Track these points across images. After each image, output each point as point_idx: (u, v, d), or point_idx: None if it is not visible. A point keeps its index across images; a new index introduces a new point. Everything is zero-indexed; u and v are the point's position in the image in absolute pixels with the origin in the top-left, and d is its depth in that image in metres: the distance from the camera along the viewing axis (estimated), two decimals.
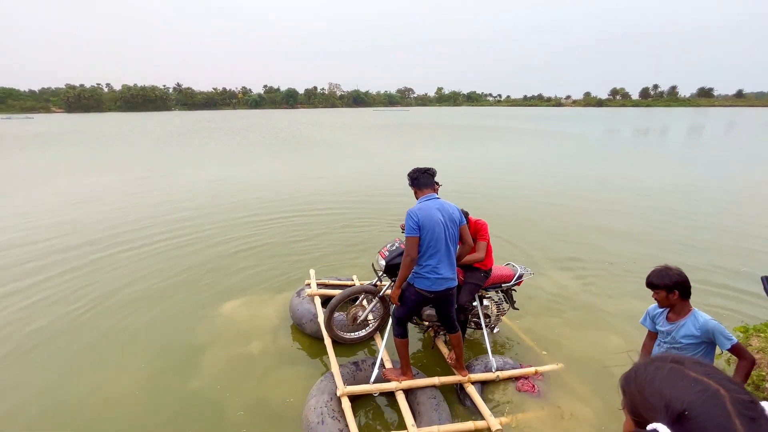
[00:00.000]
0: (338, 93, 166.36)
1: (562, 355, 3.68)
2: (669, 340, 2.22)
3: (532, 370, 3.32)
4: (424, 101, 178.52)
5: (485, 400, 3.09)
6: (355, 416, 2.79)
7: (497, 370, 3.25)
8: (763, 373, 2.80)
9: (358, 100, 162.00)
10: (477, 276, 3.48)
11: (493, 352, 3.63)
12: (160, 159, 17.58)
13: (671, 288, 2.08)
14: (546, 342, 3.91)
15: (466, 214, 3.35)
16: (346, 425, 2.68)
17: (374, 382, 3.05)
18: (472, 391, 3.04)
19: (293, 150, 20.56)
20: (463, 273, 3.55)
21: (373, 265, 3.48)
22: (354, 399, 3.07)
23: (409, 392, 3.06)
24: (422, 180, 2.89)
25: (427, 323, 3.57)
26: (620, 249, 6.29)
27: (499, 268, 3.70)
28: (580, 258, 5.97)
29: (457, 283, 2.90)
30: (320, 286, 4.52)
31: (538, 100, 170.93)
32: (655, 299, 2.18)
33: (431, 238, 2.73)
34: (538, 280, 5.24)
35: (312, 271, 4.72)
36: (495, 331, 3.83)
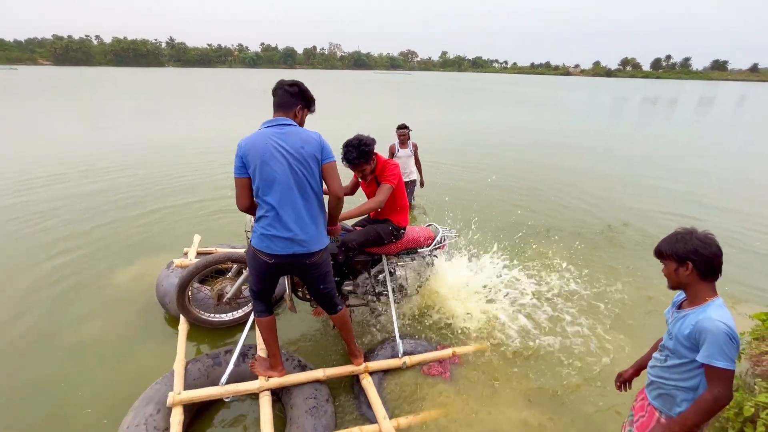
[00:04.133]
0: (339, 54, 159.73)
1: (503, 335, 2.84)
2: (665, 339, 1.45)
3: (449, 352, 2.54)
4: (427, 66, 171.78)
5: (388, 392, 2.29)
6: None
7: (405, 354, 2.44)
8: None
9: (359, 62, 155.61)
10: (384, 227, 2.57)
11: (409, 335, 2.78)
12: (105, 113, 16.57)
13: (682, 258, 1.34)
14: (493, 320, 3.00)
15: (366, 151, 2.35)
16: None
17: (229, 382, 2.16)
18: (367, 384, 2.22)
19: None
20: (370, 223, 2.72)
21: (245, 226, 2.48)
22: (204, 408, 2.20)
23: (282, 392, 2.19)
24: (276, 98, 1.95)
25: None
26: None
27: (416, 229, 2.85)
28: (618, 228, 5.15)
29: (318, 249, 1.99)
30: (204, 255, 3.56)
31: (545, 68, 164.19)
32: (664, 275, 1.45)
33: (261, 178, 1.85)
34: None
35: (196, 237, 3.78)
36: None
